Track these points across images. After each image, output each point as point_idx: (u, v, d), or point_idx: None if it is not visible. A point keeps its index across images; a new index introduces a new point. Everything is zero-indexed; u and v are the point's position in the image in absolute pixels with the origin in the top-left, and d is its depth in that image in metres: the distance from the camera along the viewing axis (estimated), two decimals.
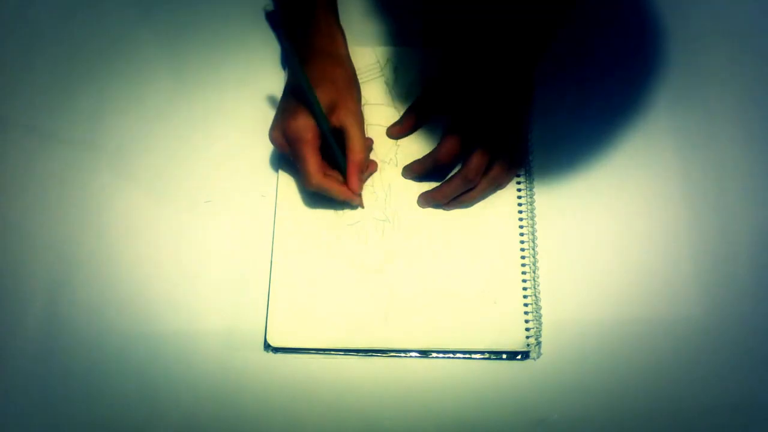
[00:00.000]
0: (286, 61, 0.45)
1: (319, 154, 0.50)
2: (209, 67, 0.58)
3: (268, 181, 0.55)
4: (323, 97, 0.49)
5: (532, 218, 0.54)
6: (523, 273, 0.52)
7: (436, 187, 0.53)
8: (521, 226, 0.53)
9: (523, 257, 0.52)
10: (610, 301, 0.52)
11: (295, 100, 0.49)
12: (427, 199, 0.54)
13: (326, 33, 0.53)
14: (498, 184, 0.53)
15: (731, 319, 0.52)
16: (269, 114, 0.56)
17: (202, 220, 0.54)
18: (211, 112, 0.57)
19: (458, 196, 0.53)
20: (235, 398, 0.50)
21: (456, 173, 0.52)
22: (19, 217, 0.54)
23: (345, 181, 0.51)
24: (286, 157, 0.51)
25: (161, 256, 0.53)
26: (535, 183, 0.55)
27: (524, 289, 0.52)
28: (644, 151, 0.56)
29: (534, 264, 0.52)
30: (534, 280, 0.52)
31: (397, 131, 0.56)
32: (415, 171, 0.54)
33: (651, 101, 0.57)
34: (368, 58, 0.58)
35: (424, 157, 0.54)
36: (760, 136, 0.56)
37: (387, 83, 0.57)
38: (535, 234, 0.53)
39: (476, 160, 0.50)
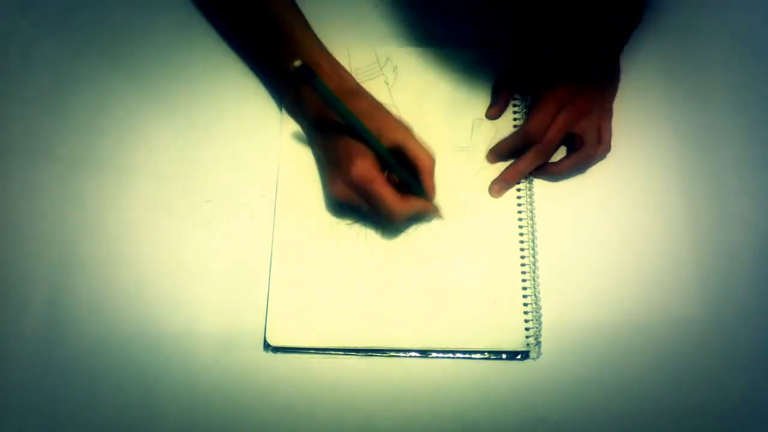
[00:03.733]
0: (331, 106, 0.45)
1: (390, 186, 0.48)
2: (209, 66, 0.58)
3: (268, 181, 0.55)
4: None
5: (532, 218, 0.54)
6: (523, 273, 0.52)
7: (508, 166, 0.54)
8: (521, 226, 0.53)
9: (523, 257, 0.52)
10: (610, 301, 0.52)
11: (339, 149, 0.48)
12: (502, 184, 0.53)
13: (332, 72, 0.52)
14: (587, 161, 0.54)
15: (731, 319, 0.52)
16: (269, 114, 0.56)
17: (202, 220, 0.54)
18: (211, 112, 0.57)
19: (546, 167, 0.53)
20: (235, 398, 0.50)
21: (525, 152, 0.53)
22: (19, 217, 0.54)
23: (421, 196, 0.50)
24: (350, 209, 0.51)
25: (161, 255, 0.53)
26: (534, 183, 0.55)
27: (524, 289, 0.52)
28: (644, 151, 0.56)
29: (534, 264, 0.52)
30: (534, 280, 0.52)
31: (495, 112, 0.56)
32: (504, 150, 0.54)
33: (651, 101, 0.57)
34: (368, 58, 0.58)
35: (511, 135, 0.54)
36: (761, 136, 0.56)
37: (387, 83, 0.57)
38: (535, 234, 0.53)
39: (559, 124, 0.51)
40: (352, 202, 0.49)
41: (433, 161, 0.49)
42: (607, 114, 0.55)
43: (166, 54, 0.59)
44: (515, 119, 0.56)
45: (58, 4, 0.60)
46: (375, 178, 0.47)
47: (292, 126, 0.56)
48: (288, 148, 0.55)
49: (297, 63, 0.42)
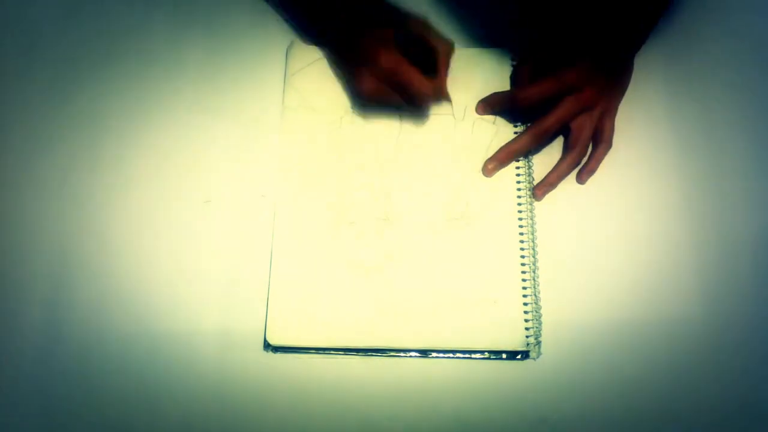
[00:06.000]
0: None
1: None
2: (209, 66, 0.58)
3: (268, 181, 0.55)
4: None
5: (532, 218, 0.54)
6: (523, 273, 0.52)
7: (502, 146, 0.54)
8: (521, 226, 0.53)
9: (523, 257, 0.52)
10: (610, 301, 0.52)
11: (364, 47, 0.50)
12: (495, 163, 0.54)
13: None
14: (577, 158, 0.54)
15: (731, 319, 0.51)
16: (269, 114, 0.56)
17: (202, 220, 0.54)
18: (211, 112, 0.57)
19: (546, 179, 0.54)
20: (235, 397, 0.50)
21: (563, 156, 0.54)
22: (19, 217, 0.54)
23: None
24: (378, 105, 0.53)
25: (161, 255, 0.53)
26: (534, 182, 0.55)
27: (524, 289, 0.52)
28: (644, 151, 0.56)
29: (534, 264, 0.52)
30: (534, 280, 0.52)
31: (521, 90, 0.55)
32: (490, 103, 0.55)
33: (651, 100, 0.57)
34: None
35: (503, 92, 0.55)
36: (761, 136, 0.56)
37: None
38: (535, 234, 0.53)
39: (559, 112, 0.52)
40: (381, 95, 0.51)
41: (449, 47, 0.52)
42: (611, 112, 0.55)
43: (166, 54, 0.59)
44: (515, 125, 0.56)
45: (58, 4, 0.60)
46: (402, 62, 0.49)
47: (292, 126, 0.56)
48: (288, 148, 0.55)
49: None
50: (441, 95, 0.54)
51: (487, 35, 0.59)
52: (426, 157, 0.55)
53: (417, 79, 0.50)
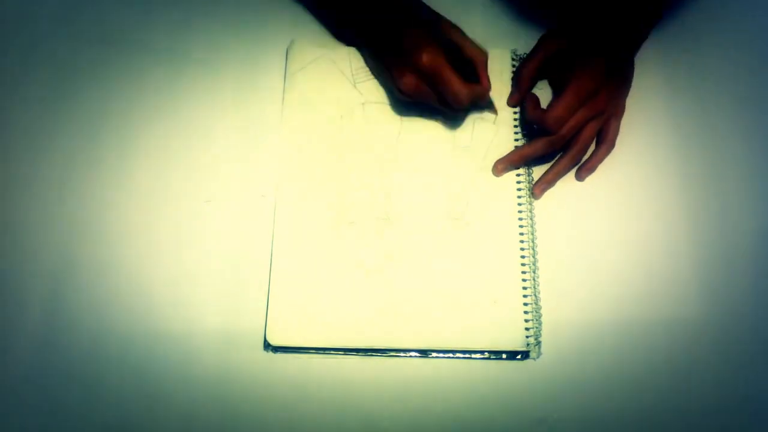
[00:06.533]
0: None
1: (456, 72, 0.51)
2: (209, 67, 0.58)
3: (268, 181, 0.55)
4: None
5: (532, 218, 0.54)
6: (523, 273, 0.52)
7: (515, 149, 0.54)
8: (521, 226, 0.53)
9: (523, 257, 0.52)
10: (610, 301, 0.52)
11: (406, 41, 0.51)
12: (506, 164, 0.54)
13: None
14: (577, 157, 0.54)
15: (731, 319, 0.52)
16: (269, 113, 0.56)
17: (202, 220, 0.54)
18: (211, 112, 0.57)
19: (545, 177, 0.54)
20: (235, 397, 0.50)
21: (563, 154, 0.54)
22: (19, 217, 0.54)
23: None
24: (416, 102, 0.53)
25: (161, 255, 0.53)
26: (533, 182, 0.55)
27: (524, 288, 0.52)
28: (644, 151, 0.56)
29: (534, 264, 0.52)
30: (534, 280, 0.52)
31: (514, 100, 0.56)
32: (525, 156, 0.54)
33: (650, 100, 0.57)
34: None
35: (533, 141, 0.54)
36: (760, 136, 0.56)
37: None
38: (535, 234, 0.53)
39: (574, 121, 0.52)
40: (420, 92, 0.52)
41: (486, 56, 0.53)
42: (617, 113, 0.55)
43: (165, 54, 0.59)
44: (515, 128, 0.56)
45: (58, 4, 0.60)
46: (443, 64, 0.50)
47: (292, 125, 0.56)
48: (288, 148, 0.55)
49: None
50: (481, 102, 0.55)
51: (487, 35, 0.59)
52: (426, 157, 0.55)
53: (456, 83, 0.50)
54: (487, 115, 0.56)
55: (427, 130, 0.56)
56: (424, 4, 0.55)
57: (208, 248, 0.53)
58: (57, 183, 0.55)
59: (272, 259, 0.52)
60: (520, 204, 0.54)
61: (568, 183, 0.55)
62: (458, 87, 0.50)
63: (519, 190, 0.54)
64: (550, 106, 0.52)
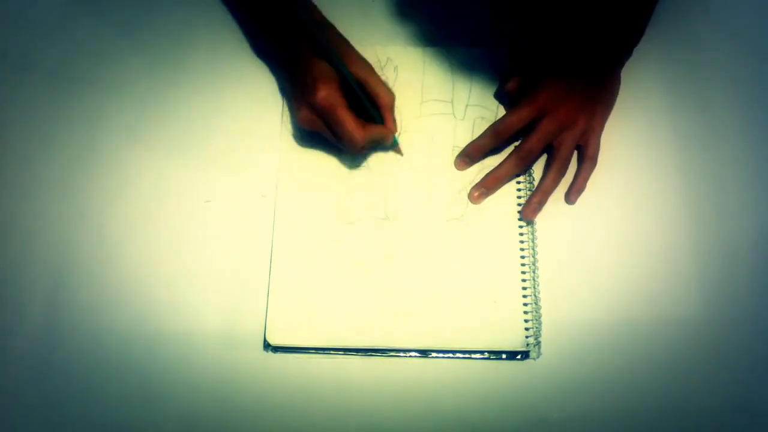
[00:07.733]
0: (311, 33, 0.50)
1: (351, 112, 0.50)
2: (209, 66, 0.58)
3: (268, 181, 0.55)
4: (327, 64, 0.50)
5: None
6: (523, 273, 0.52)
7: (488, 173, 0.54)
8: (521, 226, 0.53)
9: (522, 257, 0.52)
10: (609, 301, 0.52)
11: (306, 75, 0.50)
12: (482, 190, 0.54)
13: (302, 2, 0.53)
14: (559, 173, 0.54)
15: (731, 319, 0.51)
16: (269, 113, 0.56)
17: (202, 220, 0.54)
18: (211, 113, 0.57)
19: (533, 198, 0.53)
20: (235, 397, 0.50)
21: (545, 174, 0.54)
22: (19, 217, 0.54)
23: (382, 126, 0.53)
24: (315, 135, 0.53)
25: (161, 255, 0.53)
26: (534, 183, 0.55)
27: (524, 288, 0.52)
28: (644, 151, 0.56)
29: (534, 264, 0.52)
30: (534, 280, 0.52)
31: (512, 86, 0.55)
32: (474, 152, 0.54)
33: (650, 100, 0.57)
34: (369, 58, 0.57)
35: (479, 136, 0.54)
36: (760, 136, 0.56)
37: (387, 83, 0.57)
38: (535, 234, 0.53)
39: (539, 133, 0.52)
40: (315, 128, 0.51)
41: (392, 98, 0.52)
42: (595, 129, 0.54)
43: (165, 54, 0.59)
44: (519, 190, 0.55)
45: (58, 4, 0.60)
46: (338, 103, 0.49)
47: (292, 126, 0.56)
48: (288, 148, 0.55)
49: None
50: (383, 143, 0.54)
51: (483, 35, 0.59)
52: (426, 157, 0.55)
53: (350, 124, 0.49)
54: (487, 114, 0.56)
55: (427, 130, 0.56)
56: (340, 36, 0.53)
57: (208, 248, 0.53)
58: (57, 183, 0.55)
59: (272, 259, 0.52)
60: (519, 204, 0.54)
61: (567, 183, 0.55)
62: (352, 129, 0.49)
63: (519, 191, 0.54)
64: (501, 117, 0.53)
